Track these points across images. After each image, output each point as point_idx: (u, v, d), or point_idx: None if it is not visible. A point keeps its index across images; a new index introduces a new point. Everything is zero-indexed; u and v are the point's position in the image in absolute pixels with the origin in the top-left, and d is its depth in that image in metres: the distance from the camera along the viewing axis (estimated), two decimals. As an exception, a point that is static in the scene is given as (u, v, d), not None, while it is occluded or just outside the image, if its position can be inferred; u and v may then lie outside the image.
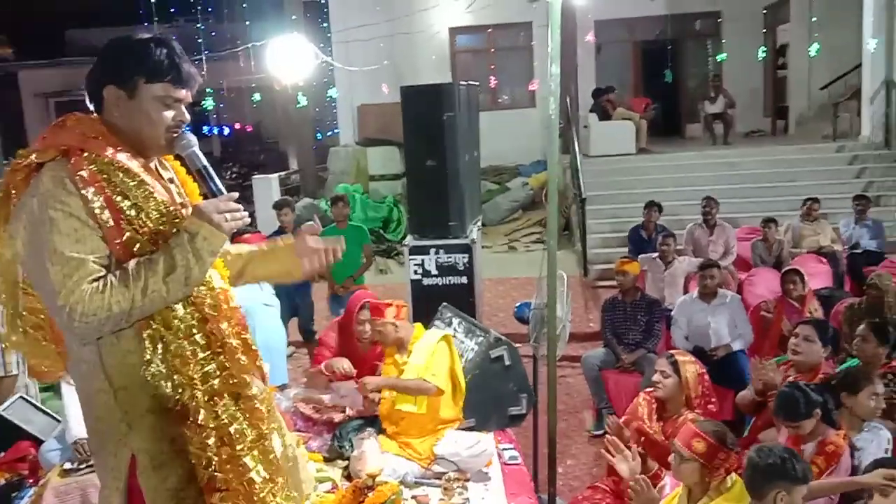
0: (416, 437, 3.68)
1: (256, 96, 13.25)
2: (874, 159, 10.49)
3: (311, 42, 11.48)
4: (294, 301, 6.41)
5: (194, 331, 1.85)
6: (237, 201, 1.88)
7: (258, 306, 4.62)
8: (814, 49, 10.10)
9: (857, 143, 11.05)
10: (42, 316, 1.98)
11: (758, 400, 3.82)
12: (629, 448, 3.47)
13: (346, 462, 3.59)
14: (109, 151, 1.83)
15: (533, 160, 13.47)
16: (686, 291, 6.38)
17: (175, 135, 1.91)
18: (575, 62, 11.86)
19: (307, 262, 2.11)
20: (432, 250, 5.23)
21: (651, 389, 3.74)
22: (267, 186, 12.01)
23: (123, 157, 1.84)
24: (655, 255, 6.86)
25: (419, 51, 13.60)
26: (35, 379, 2.02)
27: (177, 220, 1.86)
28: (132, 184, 1.82)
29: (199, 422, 1.80)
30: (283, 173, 13.75)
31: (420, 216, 5.45)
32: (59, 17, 21.79)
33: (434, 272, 5.25)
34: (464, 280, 5.24)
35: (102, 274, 1.75)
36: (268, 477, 1.89)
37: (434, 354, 3.74)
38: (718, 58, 12.98)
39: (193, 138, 1.96)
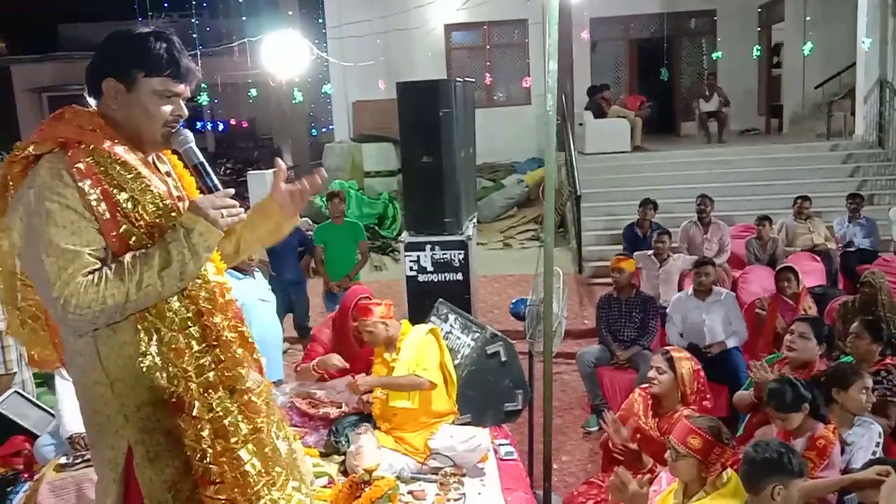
0: (410, 431, 3.68)
1: (253, 92, 13.22)
2: (868, 158, 10.54)
3: (306, 38, 11.47)
4: (289, 297, 6.41)
5: (189, 324, 1.86)
6: (233, 198, 1.88)
7: (254, 302, 4.61)
8: (808, 48, 10.13)
9: (850, 142, 11.09)
10: (38, 307, 1.98)
11: (755, 401, 3.84)
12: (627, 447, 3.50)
13: (343, 457, 3.59)
14: (107, 144, 1.83)
15: (528, 157, 13.49)
16: (681, 289, 6.40)
17: (172, 129, 1.92)
18: (570, 59, 11.86)
19: (290, 207, 2.08)
20: (428, 247, 5.24)
21: (646, 386, 3.75)
22: (262, 182, 11.96)
23: (121, 150, 1.85)
24: (650, 252, 6.87)
25: (414, 47, 13.58)
26: (34, 368, 2.02)
27: (173, 214, 1.86)
28: (129, 176, 1.82)
29: (193, 414, 1.81)
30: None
31: (416, 212, 5.45)
32: (52, 12, 21.71)
33: (430, 269, 5.25)
34: (459, 277, 5.25)
35: (98, 266, 1.75)
36: (262, 470, 1.89)
37: (423, 349, 3.74)
38: (714, 56, 13.01)
39: (190, 134, 1.97)
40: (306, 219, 10.72)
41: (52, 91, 20.21)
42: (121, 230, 1.79)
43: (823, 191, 9.42)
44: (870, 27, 10.35)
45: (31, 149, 1.80)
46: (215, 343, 1.88)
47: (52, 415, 4.20)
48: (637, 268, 6.48)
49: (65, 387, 3.84)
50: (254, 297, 4.66)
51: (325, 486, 3.34)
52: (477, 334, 4.23)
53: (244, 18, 13.60)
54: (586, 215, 9.60)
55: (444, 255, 5.24)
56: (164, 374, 1.82)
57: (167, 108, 1.89)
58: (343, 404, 3.95)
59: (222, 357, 1.88)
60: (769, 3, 13.84)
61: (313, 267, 7.19)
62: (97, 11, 19.71)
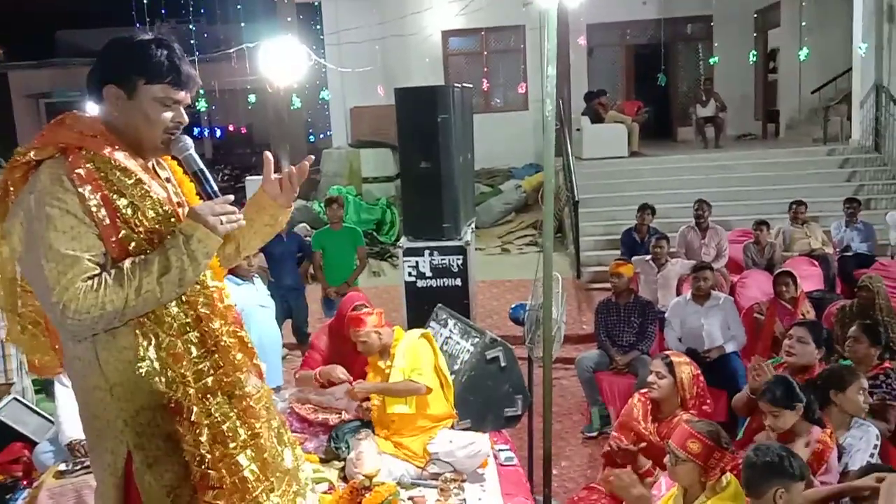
0: (408, 436, 3.68)
1: (252, 98, 13.22)
2: (864, 163, 10.57)
3: (303, 44, 11.47)
4: (288, 303, 6.40)
5: (188, 329, 1.86)
6: (232, 204, 1.89)
7: (253, 308, 4.60)
8: (804, 53, 10.16)
9: (847, 147, 11.12)
10: (39, 312, 1.98)
11: (753, 398, 3.84)
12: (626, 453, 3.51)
13: (343, 463, 3.59)
14: (107, 150, 1.84)
15: (526, 163, 13.51)
16: (679, 293, 6.41)
17: (172, 136, 1.93)
18: (567, 65, 11.88)
19: (281, 197, 2.07)
20: (426, 252, 5.24)
21: (646, 390, 3.76)
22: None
23: (121, 156, 1.85)
24: (648, 257, 6.89)
25: (412, 53, 13.61)
26: (34, 375, 2.02)
27: (173, 220, 1.87)
28: (129, 182, 1.83)
29: (191, 419, 1.81)
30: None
31: (414, 218, 5.46)
32: (49, 18, 21.73)
33: (428, 274, 5.25)
34: (458, 282, 5.25)
35: (97, 272, 1.75)
36: (261, 475, 1.89)
37: (416, 353, 3.74)
38: (711, 61, 13.05)
39: (190, 141, 1.98)
40: (304, 224, 10.72)
41: (49, 97, 20.22)
42: (120, 236, 1.79)
43: (820, 195, 9.45)
44: (865, 32, 10.39)
45: (31, 154, 1.81)
46: (214, 348, 1.88)
47: (51, 421, 4.19)
48: (635, 273, 6.49)
49: (64, 393, 3.84)
50: (253, 302, 4.66)
51: (325, 493, 3.34)
52: (476, 339, 4.23)
53: (242, 25, 13.60)
54: (584, 220, 9.61)
55: (443, 261, 5.24)
56: (163, 379, 1.82)
57: (168, 115, 1.90)
58: (343, 412, 3.95)
59: (221, 362, 1.88)
60: (765, 8, 13.89)
61: (311, 273, 7.18)
62: (95, 17, 19.73)
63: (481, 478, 3.56)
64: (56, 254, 1.72)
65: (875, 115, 10.65)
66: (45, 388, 5.47)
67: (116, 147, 1.86)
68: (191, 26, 13.35)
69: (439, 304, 4.79)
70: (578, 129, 12.13)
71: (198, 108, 11.76)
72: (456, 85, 5.73)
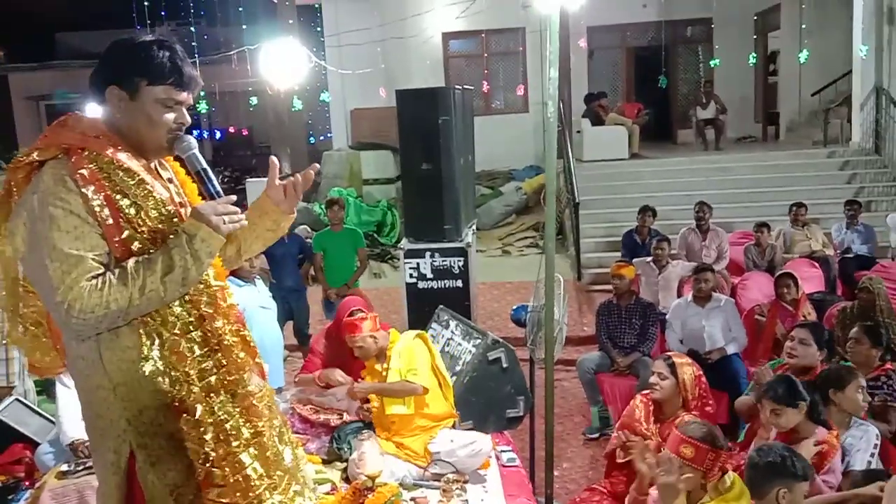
0: (409, 436, 3.69)
1: (253, 100, 13.24)
2: (864, 165, 10.58)
3: (304, 46, 11.49)
4: (289, 304, 6.40)
5: (191, 328, 1.87)
6: (234, 204, 1.90)
7: (255, 309, 4.61)
8: (804, 56, 10.17)
9: (847, 149, 11.13)
10: (41, 313, 1.99)
11: (755, 405, 3.84)
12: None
13: (345, 464, 3.59)
14: (110, 151, 1.84)
15: (526, 165, 13.52)
16: (680, 295, 6.41)
17: (175, 136, 1.93)
18: (568, 67, 11.90)
19: (285, 203, 2.08)
20: (428, 254, 5.24)
21: (648, 391, 3.76)
22: (260, 190, 11.96)
23: (124, 157, 1.86)
24: (649, 259, 6.89)
25: (412, 55, 13.61)
26: (35, 376, 2.02)
27: (175, 220, 1.88)
28: (132, 183, 1.84)
29: (196, 417, 1.82)
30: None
31: (415, 219, 5.46)
32: (50, 21, 21.75)
33: (429, 275, 5.25)
34: (459, 283, 5.25)
35: (101, 271, 1.76)
36: (264, 473, 1.90)
37: (412, 354, 3.76)
38: (711, 63, 13.06)
39: (193, 140, 1.98)
40: (305, 226, 10.73)
41: (49, 99, 20.23)
42: (123, 236, 1.80)
43: (821, 197, 9.45)
44: (865, 35, 10.40)
45: (34, 155, 1.81)
46: (217, 347, 1.89)
47: (53, 422, 4.19)
48: (636, 274, 6.50)
49: (65, 394, 3.84)
50: (255, 304, 4.67)
51: (327, 493, 3.34)
52: (478, 340, 4.23)
53: (244, 27, 13.62)
54: (585, 222, 9.61)
55: (444, 262, 5.24)
56: (167, 379, 1.83)
57: (170, 116, 1.90)
58: (344, 413, 3.96)
59: (224, 361, 1.89)
60: (765, 11, 13.91)
61: (312, 274, 7.19)
62: (95, 20, 19.76)
63: (483, 479, 3.56)
64: (60, 253, 1.73)
65: (875, 118, 10.66)
66: (46, 389, 5.47)
67: (119, 148, 1.87)
68: (191, 28, 13.37)
69: (441, 306, 4.79)
70: (579, 132, 12.14)
71: (198, 110, 11.77)
72: (457, 87, 5.74)
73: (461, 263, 5.23)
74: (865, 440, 3.27)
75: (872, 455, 3.23)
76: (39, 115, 20.85)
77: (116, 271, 1.76)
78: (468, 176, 6.02)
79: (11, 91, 20.94)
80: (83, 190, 1.76)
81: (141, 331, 1.82)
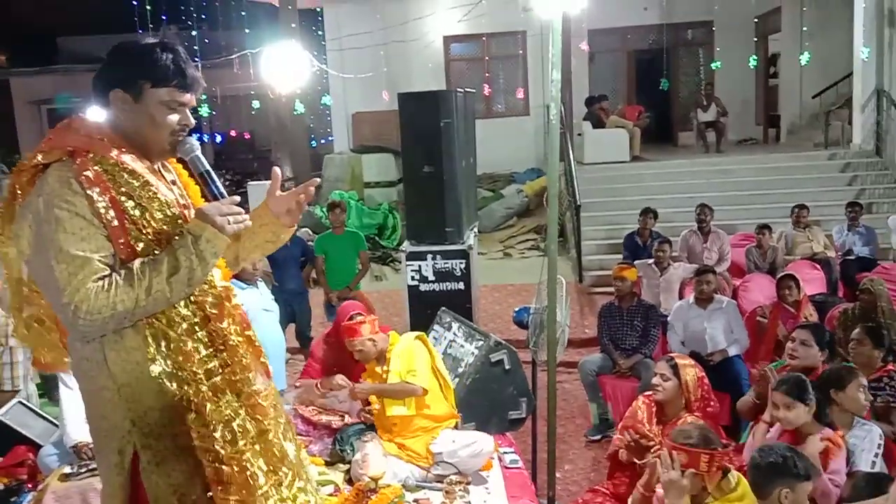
0: (411, 437, 3.70)
1: (255, 104, 13.26)
2: (865, 167, 10.58)
3: (305, 50, 11.51)
4: (291, 307, 6.41)
5: (197, 329, 1.88)
6: (237, 205, 1.91)
7: (258, 311, 4.62)
8: (805, 58, 10.19)
9: (848, 151, 11.13)
10: (46, 312, 2.00)
11: (758, 403, 3.84)
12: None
13: (348, 466, 3.60)
14: (114, 153, 1.86)
15: (527, 167, 13.53)
16: (681, 297, 6.42)
17: (179, 138, 1.95)
18: (569, 70, 11.92)
19: (286, 217, 2.09)
20: (429, 256, 5.24)
21: (650, 393, 3.76)
22: (262, 193, 11.91)
23: (128, 159, 1.88)
24: (651, 261, 6.89)
25: (413, 59, 13.64)
26: (41, 370, 2.03)
27: (180, 221, 1.89)
28: (136, 184, 1.85)
29: (205, 415, 1.82)
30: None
31: (417, 222, 5.46)
32: (51, 25, 21.79)
33: (431, 278, 5.26)
34: (461, 286, 5.25)
35: (107, 273, 1.77)
36: (270, 470, 1.91)
37: (411, 355, 3.77)
38: (713, 66, 13.08)
39: (196, 142, 2.00)
40: (307, 229, 10.74)
41: (51, 103, 20.26)
42: (128, 237, 1.81)
43: (822, 199, 9.45)
44: (866, 37, 10.41)
45: (39, 157, 1.82)
46: (222, 347, 1.90)
47: (56, 425, 4.20)
48: (638, 276, 6.50)
49: (68, 396, 3.85)
50: (257, 306, 4.68)
51: (331, 495, 3.35)
52: (481, 342, 4.24)
53: (247, 31, 13.64)
54: (586, 225, 9.62)
55: (446, 265, 5.25)
56: (174, 379, 1.84)
57: (174, 118, 1.92)
58: (346, 415, 3.97)
59: (229, 361, 1.90)
60: (766, 13, 13.92)
61: (314, 277, 7.20)
62: (97, 24, 19.79)
63: (486, 480, 3.57)
64: (66, 255, 1.73)
65: (876, 120, 10.66)
66: (48, 392, 5.49)
67: (123, 150, 1.88)
68: (192, 32, 13.40)
69: (443, 308, 4.80)
70: (580, 134, 12.15)
71: (200, 113, 11.80)
72: (459, 90, 5.75)
73: (463, 266, 5.23)
74: (869, 440, 3.27)
75: (876, 455, 3.23)
76: (41, 119, 20.86)
77: (122, 272, 1.77)
78: (470, 178, 6.03)
79: (13, 95, 20.96)
80: (88, 192, 1.77)
81: (147, 332, 1.83)
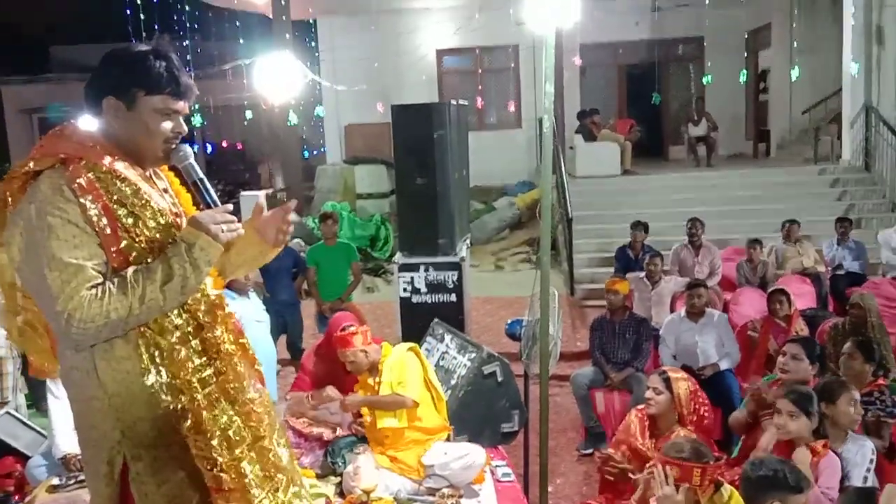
0: (403, 449, 3.68)
1: (248, 114, 13.26)
2: (855, 182, 10.67)
3: (299, 61, 11.53)
4: (283, 318, 6.38)
5: (190, 337, 1.87)
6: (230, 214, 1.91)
7: (249, 322, 4.59)
8: (795, 74, 10.29)
9: (837, 167, 11.23)
10: (37, 317, 1.99)
11: (749, 421, 3.85)
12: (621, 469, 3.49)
13: (339, 478, 3.58)
14: (107, 160, 1.85)
15: (519, 180, 13.57)
16: (673, 311, 6.43)
17: (172, 146, 1.94)
18: (561, 84, 11.99)
19: (270, 234, 2.08)
20: (422, 268, 5.24)
21: (643, 407, 3.75)
22: (254, 204, 11.95)
23: (121, 167, 1.87)
24: (642, 274, 6.91)
25: (406, 71, 13.70)
26: (34, 376, 2.02)
27: (173, 229, 1.88)
28: (129, 192, 1.84)
29: (202, 424, 1.81)
30: (269, 190, 13.76)
31: (410, 234, 5.46)
32: (44, 34, 21.77)
33: (423, 290, 5.25)
34: (453, 298, 5.24)
35: (100, 281, 1.76)
36: (266, 476, 1.90)
37: (403, 367, 3.77)
38: (703, 81, 13.18)
39: (190, 150, 1.99)
40: (299, 240, 10.72)
41: (43, 112, 20.20)
42: (121, 245, 1.80)
43: (812, 214, 9.51)
44: (855, 54, 10.53)
45: (31, 164, 1.81)
46: (216, 356, 1.89)
47: (44, 436, 4.16)
48: (629, 290, 6.51)
49: (57, 406, 3.81)
50: (248, 317, 4.65)
51: (321, 507, 3.32)
52: (473, 354, 4.23)
53: (241, 41, 13.67)
54: (578, 238, 9.64)
55: (438, 277, 5.24)
56: (169, 389, 1.83)
57: (167, 125, 1.91)
58: (337, 427, 3.95)
59: (223, 369, 1.89)
60: (756, 29, 14.06)
61: (305, 289, 7.17)
62: (89, 33, 19.78)
63: (478, 493, 3.55)
64: (59, 262, 1.72)
65: (865, 136, 10.77)
66: (36, 403, 5.44)
67: (116, 157, 1.87)
68: (185, 42, 13.40)
69: (436, 319, 4.79)
70: (572, 148, 12.22)
71: (193, 123, 11.80)
72: (452, 102, 5.77)
73: (455, 278, 5.23)
74: (861, 455, 3.28)
75: (868, 470, 3.24)
76: (32, 128, 20.79)
77: (116, 280, 1.76)
78: (462, 190, 6.03)
79: (5, 104, 20.87)
80: (81, 199, 1.76)
81: (140, 341, 1.81)
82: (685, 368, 5.16)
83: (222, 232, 1.85)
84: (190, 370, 1.84)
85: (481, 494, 3.55)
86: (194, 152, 2.05)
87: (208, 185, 1.96)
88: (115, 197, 1.81)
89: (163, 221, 1.87)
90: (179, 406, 1.82)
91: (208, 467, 1.83)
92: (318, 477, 3.65)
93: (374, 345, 3.90)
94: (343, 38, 13.44)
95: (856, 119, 10.84)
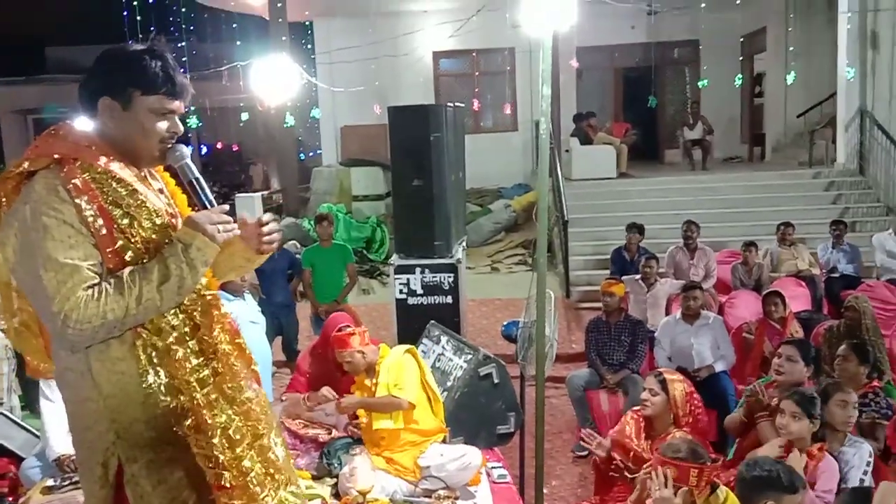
0: (399, 451, 3.68)
1: (244, 115, 13.24)
2: (849, 186, 10.70)
3: (295, 63, 11.52)
4: (279, 320, 6.38)
5: (187, 338, 1.86)
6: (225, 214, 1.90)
7: (244, 323, 4.58)
8: (790, 77, 10.32)
9: (832, 170, 11.25)
10: (31, 317, 1.99)
11: (745, 420, 3.85)
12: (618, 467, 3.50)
13: (335, 480, 3.57)
14: (102, 160, 1.84)
15: (515, 183, 13.58)
16: (668, 313, 6.44)
17: (168, 146, 1.94)
18: (557, 87, 12.00)
19: (255, 244, 2.06)
20: (418, 269, 5.24)
21: (638, 408, 3.76)
22: (249, 205, 11.95)
23: (116, 167, 1.86)
24: (638, 276, 6.92)
25: (402, 73, 13.70)
26: (33, 377, 2.01)
27: (169, 230, 1.87)
28: (125, 193, 1.83)
29: (203, 423, 1.81)
30: (265, 192, 13.75)
31: (406, 235, 5.46)
32: (39, 35, 21.73)
33: (419, 291, 5.25)
34: (449, 300, 5.24)
35: (97, 281, 1.75)
36: (266, 473, 1.91)
37: (401, 369, 3.76)
38: (698, 84, 13.23)
39: (186, 150, 1.98)
40: (294, 241, 10.71)
41: (37, 113, 20.16)
42: (117, 246, 1.79)
43: (806, 217, 9.54)
44: (850, 58, 10.57)
45: (25, 165, 1.80)
46: (213, 356, 1.89)
47: (38, 437, 4.14)
48: (625, 292, 6.52)
49: (50, 408, 3.79)
50: (243, 318, 4.64)
51: (317, 509, 3.32)
52: (469, 356, 4.23)
53: (238, 43, 13.66)
54: (573, 240, 9.65)
55: (434, 278, 5.24)
56: (168, 389, 1.83)
57: (163, 125, 1.91)
58: (333, 428, 3.95)
59: (221, 369, 1.89)
60: (751, 33, 14.10)
61: (301, 290, 7.17)
62: (84, 34, 19.74)
63: (474, 495, 3.54)
64: (55, 263, 1.71)
65: (860, 139, 10.79)
66: (29, 404, 5.41)
67: (112, 158, 1.86)
68: (181, 44, 13.39)
69: (432, 321, 4.79)
70: (568, 150, 12.23)
71: (189, 125, 11.78)
72: (448, 104, 5.77)
73: (451, 280, 5.23)
74: (858, 457, 3.29)
75: (866, 473, 3.25)
76: (27, 128, 20.76)
77: (112, 281, 1.75)
78: (459, 192, 6.04)
79: (-1, 104, 20.87)
80: (76, 200, 1.75)
81: (137, 342, 1.81)
82: (680, 370, 5.17)
83: (219, 232, 1.85)
84: (188, 370, 1.84)
85: (477, 496, 3.54)
86: (191, 153, 2.04)
87: (204, 186, 1.96)
88: (110, 198, 1.80)
89: (159, 222, 1.86)
90: (179, 406, 1.82)
91: (210, 465, 1.83)
92: (314, 478, 3.64)
93: (372, 346, 3.89)
94: (339, 40, 13.43)
95: (850, 123, 10.88)
